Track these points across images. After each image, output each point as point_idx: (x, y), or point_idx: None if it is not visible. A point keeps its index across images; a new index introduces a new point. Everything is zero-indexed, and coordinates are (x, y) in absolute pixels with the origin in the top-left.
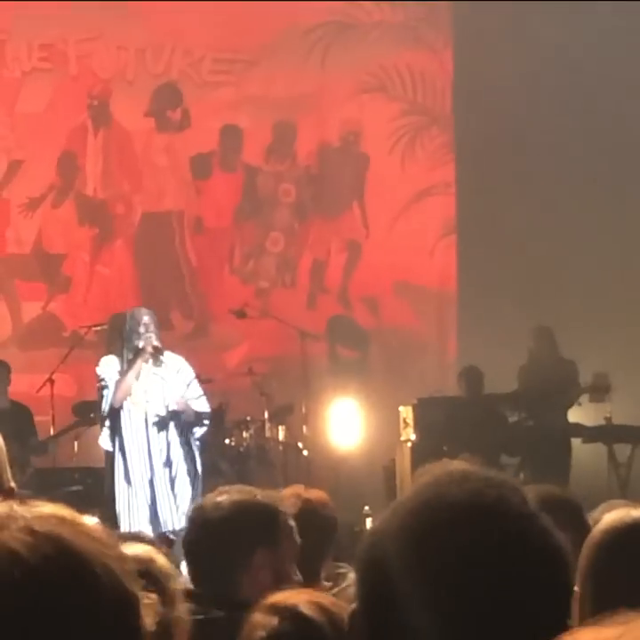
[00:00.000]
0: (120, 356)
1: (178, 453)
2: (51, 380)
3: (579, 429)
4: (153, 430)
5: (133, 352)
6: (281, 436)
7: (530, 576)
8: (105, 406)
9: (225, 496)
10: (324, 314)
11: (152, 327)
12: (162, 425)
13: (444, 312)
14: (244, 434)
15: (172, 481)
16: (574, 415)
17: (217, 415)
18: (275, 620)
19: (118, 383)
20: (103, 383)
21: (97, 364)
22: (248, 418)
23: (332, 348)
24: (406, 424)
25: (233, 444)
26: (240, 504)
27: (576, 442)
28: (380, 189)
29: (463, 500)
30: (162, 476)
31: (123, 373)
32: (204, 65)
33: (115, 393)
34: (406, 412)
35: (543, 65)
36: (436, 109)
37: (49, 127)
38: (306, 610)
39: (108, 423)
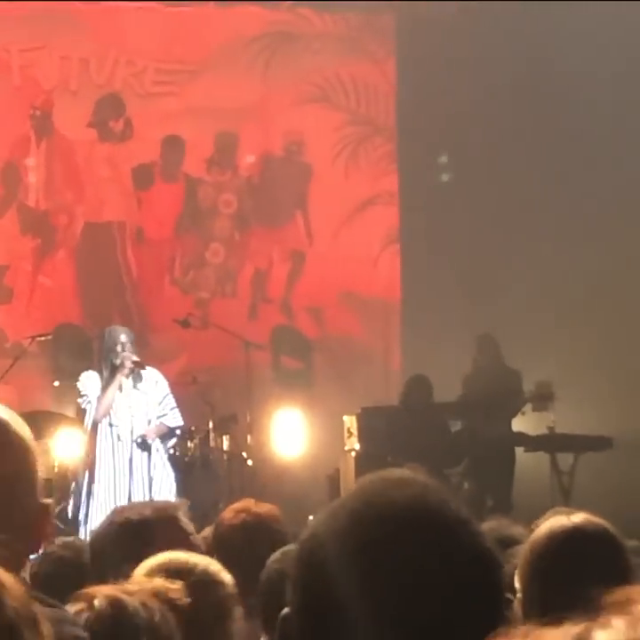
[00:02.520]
0: (99, 372)
1: (160, 473)
2: None
3: (522, 438)
4: (135, 448)
5: (110, 370)
6: (225, 445)
7: (469, 578)
8: (87, 421)
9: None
10: (265, 324)
11: (128, 345)
12: (143, 447)
13: (388, 321)
14: (189, 443)
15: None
16: (517, 424)
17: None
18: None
19: (100, 399)
20: (85, 399)
21: (41, 375)
22: (192, 428)
23: (276, 357)
24: (350, 433)
25: (177, 453)
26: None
27: (519, 451)
28: (324, 199)
29: (406, 503)
30: (142, 492)
31: (103, 389)
32: (147, 75)
33: (97, 408)
34: (350, 422)
35: (488, 73)
36: (379, 119)
37: None
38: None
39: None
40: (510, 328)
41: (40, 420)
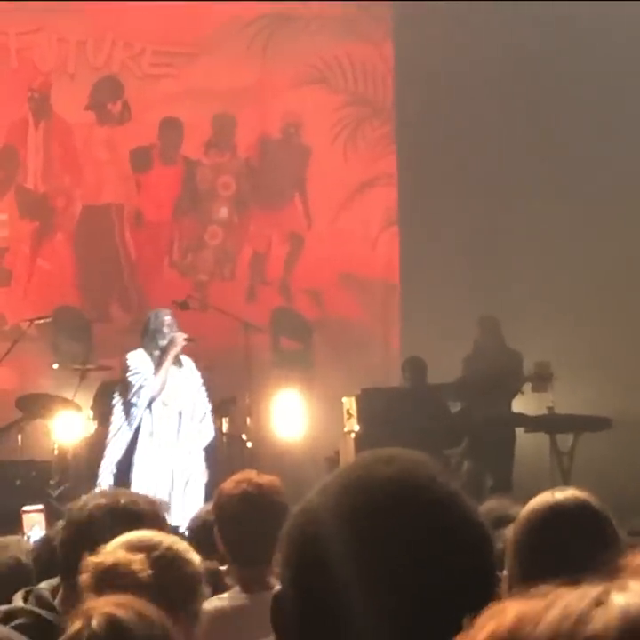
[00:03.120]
0: (149, 353)
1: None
2: None
3: (521, 419)
4: (182, 426)
5: (161, 349)
6: (225, 427)
7: (458, 550)
8: (136, 398)
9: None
10: (264, 306)
11: (174, 327)
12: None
13: (387, 303)
14: None
15: (187, 482)
16: (517, 405)
17: None
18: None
19: (157, 376)
20: (140, 376)
21: (40, 358)
22: None
23: (276, 339)
24: (350, 415)
25: None
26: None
27: (519, 431)
28: (322, 181)
29: (395, 477)
30: (182, 473)
31: (158, 366)
32: (145, 57)
33: (155, 385)
34: (350, 403)
35: (485, 55)
36: (378, 100)
37: None
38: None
39: (132, 413)
40: (509, 309)
41: (39, 403)
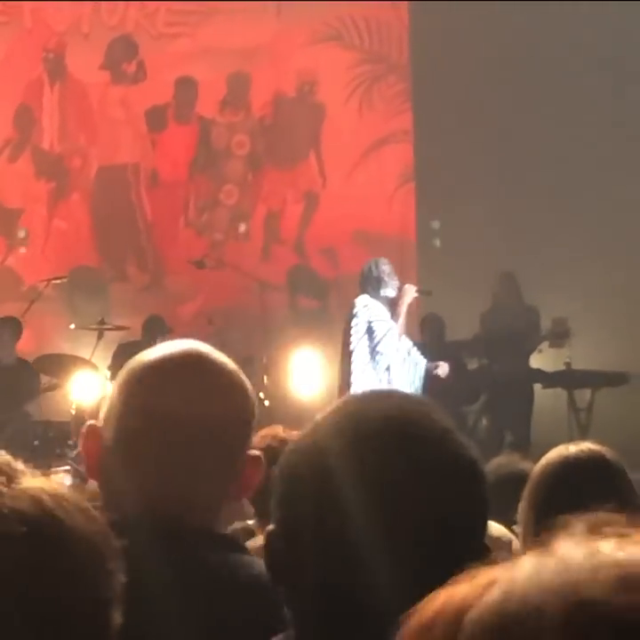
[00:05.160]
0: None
1: None
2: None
3: (539, 375)
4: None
5: (383, 299)
6: None
7: (451, 485)
8: (383, 346)
9: None
10: (279, 265)
11: (394, 276)
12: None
13: (403, 260)
14: None
15: None
16: (534, 361)
17: None
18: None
19: (399, 325)
20: (381, 322)
21: (57, 318)
22: None
23: (293, 298)
24: None
25: None
26: None
27: (536, 387)
28: (337, 139)
29: (385, 412)
30: None
31: (395, 316)
32: (159, 16)
33: (399, 334)
34: None
35: (501, 11)
36: (393, 58)
37: (5, 81)
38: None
39: (377, 360)
40: (526, 265)
41: (56, 363)
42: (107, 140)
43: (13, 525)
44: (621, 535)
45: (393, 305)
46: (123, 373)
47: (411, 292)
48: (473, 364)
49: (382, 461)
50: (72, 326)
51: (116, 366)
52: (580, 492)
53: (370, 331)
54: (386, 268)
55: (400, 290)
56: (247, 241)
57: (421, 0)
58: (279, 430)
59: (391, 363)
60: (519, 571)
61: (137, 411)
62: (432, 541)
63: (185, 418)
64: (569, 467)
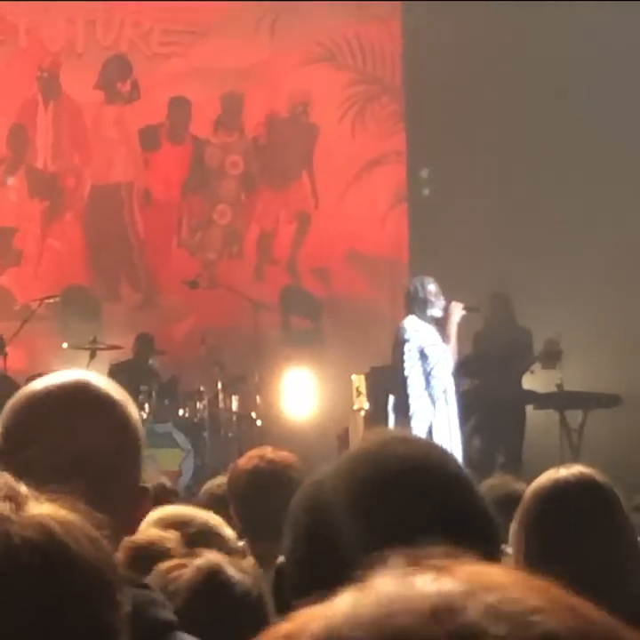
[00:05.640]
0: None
1: None
2: (4, 354)
3: (531, 396)
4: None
5: (438, 318)
6: (234, 406)
7: (464, 536)
8: (437, 370)
9: None
10: (272, 285)
11: (440, 296)
12: None
13: (396, 280)
14: (198, 404)
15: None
16: (526, 382)
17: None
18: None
19: (450, 347)
20: (434, 347)
21: (50, 337)
22: (201, 388)
23: (286, 317)
24: (359, 393)
25: (187, 414)
26: None
27: (528, 408)
28: (330, 159)
29: (408, 456)
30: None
31: (447, 337)
32: (154, 36)
33: (451, 356)
34: (359, 381)
35: (493, 34)
36: (386, 78)
37: None
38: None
39: (431, 383)
40: (518, 286)
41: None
42: (100, 159)
43: (26, 556)
44: (439, 568)
45: (440, 324)
46: (10, 400)
47: (458, 311)
48: (465, 385)
49: (398, 501)
50: (65, 345)
51: None
52: (571, 515)
53: (423, 356)
54: (431, 287)
55: (446, 309)
56: (240, 261)
57: (415, 18)
58: (267, 451)
59: (447, 387)
60: (337, 606)
61: (17, 440)
62: None
63: (60, 448)
64: (559, 490)
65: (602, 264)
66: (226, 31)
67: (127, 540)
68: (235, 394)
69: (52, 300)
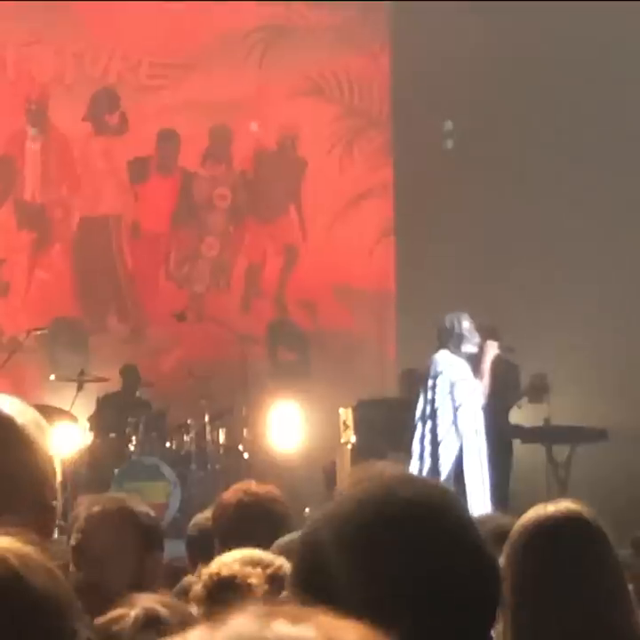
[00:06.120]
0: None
1: None
2: None
3: (518, 430)
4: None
5: (463, 355)
6: (221, 438)
7: (466, 577)
8: (468, 405)
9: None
10: (259, 318)
11: (474, 332)
12: None
13: (383, 313)
14: (185, 437)
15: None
16: (513, 416)
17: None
18: None
19: (483, 383)
20: (465, 382)
21: (38, 369)
22: (188, 421)
23: (273, 350)
24: (346, 426)
25: (174, 447)
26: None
27: (515, 442)
28: (318, 192)
29: (411, 498)
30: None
31: (481, 374)
32: (142, 69)
33: (482, 392)
34: (346, 414)
35: (481, 65)
36: (374, 112)
37: None
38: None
39: (458, 417)
40: (506, 320)
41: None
42: (89, 191)
43: None
44: (296, 616)
45: (473, 361)
46: None
47: (493, 350)
48: None
49: (408, 542)
50: (52, 377)
51: (98, 417)
52: (559, 551)
53: (453, 390)
54: (467, 323)
55: (481, 346)
56: (228, 293)
57: (402, 53)
58: (251, 485)
59: (477, 421)
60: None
61: None
62: (441, 623)
63: None
64: (548, 527)
65: (589, 299)
66: (214, 64)
67: (207, 572)
68: (222, 427)
69: (39, 332)
